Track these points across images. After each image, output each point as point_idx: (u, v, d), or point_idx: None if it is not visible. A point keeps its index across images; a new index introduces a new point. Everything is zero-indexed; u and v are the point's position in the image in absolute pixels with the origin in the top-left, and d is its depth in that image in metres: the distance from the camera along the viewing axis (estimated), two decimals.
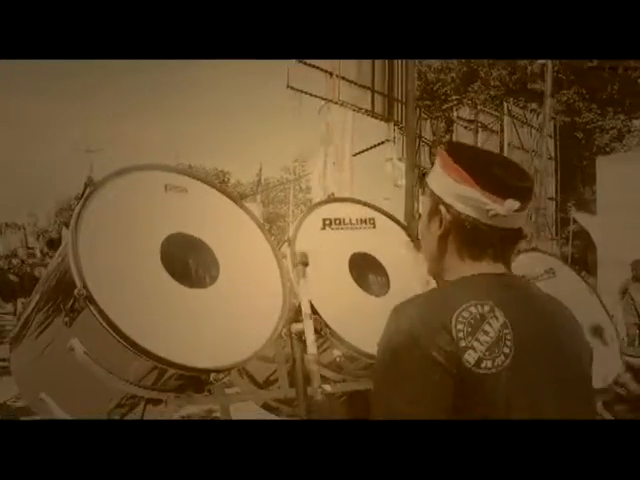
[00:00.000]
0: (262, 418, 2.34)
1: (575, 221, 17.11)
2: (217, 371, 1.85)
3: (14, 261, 14.00)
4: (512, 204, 1.34)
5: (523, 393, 1.30)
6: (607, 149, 21.89)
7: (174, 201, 2.05)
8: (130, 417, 2.08)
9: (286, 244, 2.26)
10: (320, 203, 2.49)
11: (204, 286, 1.98)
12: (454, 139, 17.06)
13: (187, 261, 2.00)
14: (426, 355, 1.26)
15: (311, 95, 12.26)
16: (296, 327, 2.10)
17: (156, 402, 1.99)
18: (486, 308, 1.31)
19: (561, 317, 1.48)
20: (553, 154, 18.81)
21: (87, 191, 1.90)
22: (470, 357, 1.26)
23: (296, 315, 2.14)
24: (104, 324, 1.72)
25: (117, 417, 2.09)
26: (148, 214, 1.99)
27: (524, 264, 3.00)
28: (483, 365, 1.26)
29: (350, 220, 2.45)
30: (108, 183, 1.95)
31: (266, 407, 2.49)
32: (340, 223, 2.42)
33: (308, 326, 2.01)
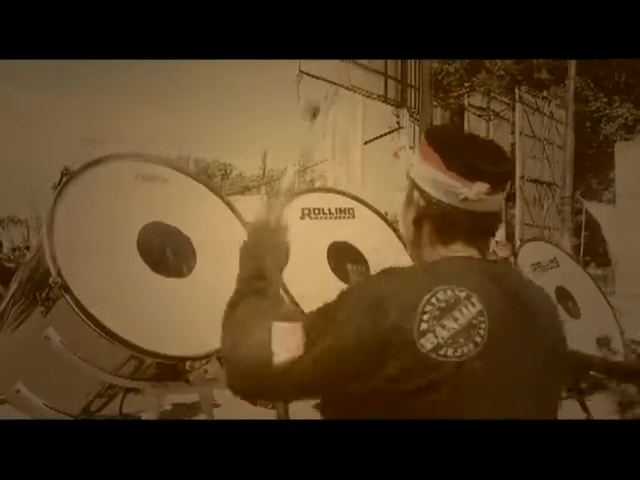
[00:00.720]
0: (250, 417, 2.38)
1: (586, 211, 16.97)
2: (191, 359, 1.87)
3: (15, 252, 14.12)
4: (481, 187, 1.33)
5: (486, 387, 1.26)
6: (614, 138, 21.73)
7: (152, 190, 2.08)
8: (109, 407, 2.12)
9: None
10: (300, 193, 2.51)
11: (181, 276, 2.01)
12: (465, 127, 16.97)
13: (164, 250, 2.02)
14: (382, 315, 1.24)
15: (323, 80, 12.07)
16: None
17: (137, 392, 2.02)
18: (462, 294, 1.27)
19: (538, 306, 1.43)
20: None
21: (63, 180, 1.93)
22: (427, 342, 1.22)
23: None
24: (78, 311, 1.75)
25: (96, 407, 2.13)
26: (125, 203, 2.01)
27: (528, 253, 3.03)
28: (442, 352, 1.22)
29: (329, 210, 2.47)
30: (84, 172, 1.97)
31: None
32: (319, 213, 2.44)
33: None
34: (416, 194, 1.42)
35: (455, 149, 1.39)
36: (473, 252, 1.41)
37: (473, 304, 1.27)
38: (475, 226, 1.39)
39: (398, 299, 1.26)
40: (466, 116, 17.29)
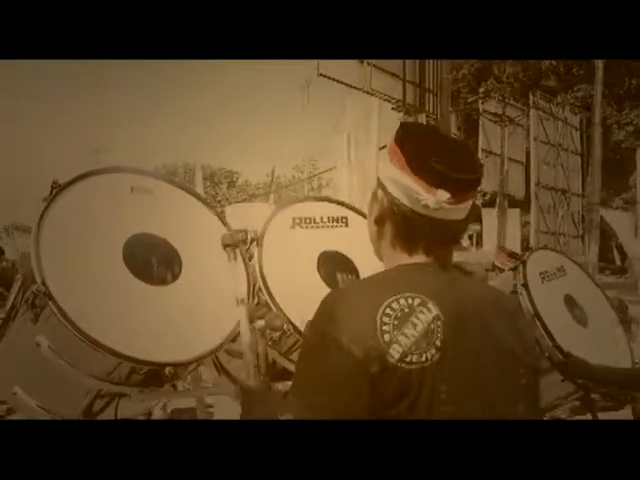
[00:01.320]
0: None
1: (602, 218, 16.86)
2: (172, 365, 1.90)
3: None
4: (442, 195, 1.32)
5: (449, 388, 1.29)
6: (624, 145, 21.66)
7: (140, 202, 2.11)
8: (110, 409, 2.16)
9: (254, 243, 2.28)
10: (290, 202, 2.53)
11: (165, 284, 2.04)
12: (480, 132, 16.94)
13: (150, 259, 2.04)
14: (345, 349, 1.25)
15: (342, 83, 11.91)
16: (259, 324, 2.17)
17: (128, 396, 2.04)
18: (417, 301, 1.29)
19: (498, 312, 1.43)
20: (579, 149, 18.57)
21: (53, 192, 1.97)
22: (394, 352, 1.25)
23: (261, 312, 2.20)
24: (61, 318, 1.80)
25: (97, 409, 2.16)
26: (112, 215, 2.05)
27: (536, 262, 3.03)
28: (408, 359, 1.25)
29: (321, 219, 2.48)
30: (74, 185, 2.02)
31: None
32: (310, 222, 2.45)
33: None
34: (380, 192, 1.42)
35: (422, 153, 1.36)
36: (432, 258, 1.41)
37: (429, 309, 1.30)
38: (436, 233, 1.39)
39: (354, 323, 1.28)
40: (481, 122, 17.23)
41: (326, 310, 1.33)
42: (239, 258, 2.03)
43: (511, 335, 1.42)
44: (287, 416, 1.32)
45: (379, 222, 1.44)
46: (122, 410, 2.17)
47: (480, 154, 16.74)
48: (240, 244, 2.03)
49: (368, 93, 12.00)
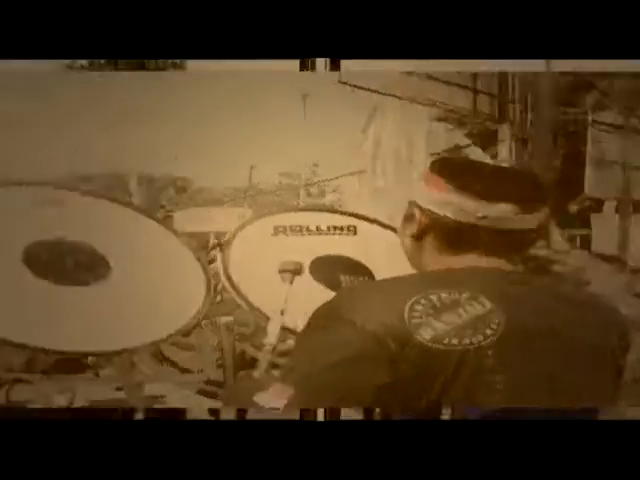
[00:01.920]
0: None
1: None
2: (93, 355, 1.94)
3: None
4: (504, 208, 1.33)
5: (505, 378, 1.24)
6: None
7: (46, 213, 2.14)
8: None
9: (218, 248, 2.28)
10: (276, 212, 2.60)
11: (86, 284, 2.04)
12: (588, 142, 16.32)
13: (64, 262, 2.05)
14: (358, 326, 1.22)
15: (367, 90, 11.49)
16: (225, 319, 2.24)
17: (27, 382, 2.13)
18: (464, 295, 1.27)
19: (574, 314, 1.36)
20: None
21: None
22: (426, 333, 1.21)
23: (225, 309, 2.29)
24: None
25: None
26: (11, 226, 2.08)
27: None
28: (445, 341, 1.22)
29: (328, 227, 2.51)
30: None
31: (202, 393, 2.53)
32: (300, 230, 2.46)
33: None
34: (417, 212, 1.43)
35: (463, 172, 1.40)
36: (493, 262, 1.39)
37: (482, 304, 1.27)
38: (494, 240, 1.37)
39: (379, 311, 1.25)
40: (590, 132, 16.39)
41: (341, 294, 1.40)
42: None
43: (588, 335, 1.36)
44: (278, 388, 1.25)
45: (417, 237, 1.44)
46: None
47: (587, 162, 16.10)
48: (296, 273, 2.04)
49: (415, 102, 11.43)
